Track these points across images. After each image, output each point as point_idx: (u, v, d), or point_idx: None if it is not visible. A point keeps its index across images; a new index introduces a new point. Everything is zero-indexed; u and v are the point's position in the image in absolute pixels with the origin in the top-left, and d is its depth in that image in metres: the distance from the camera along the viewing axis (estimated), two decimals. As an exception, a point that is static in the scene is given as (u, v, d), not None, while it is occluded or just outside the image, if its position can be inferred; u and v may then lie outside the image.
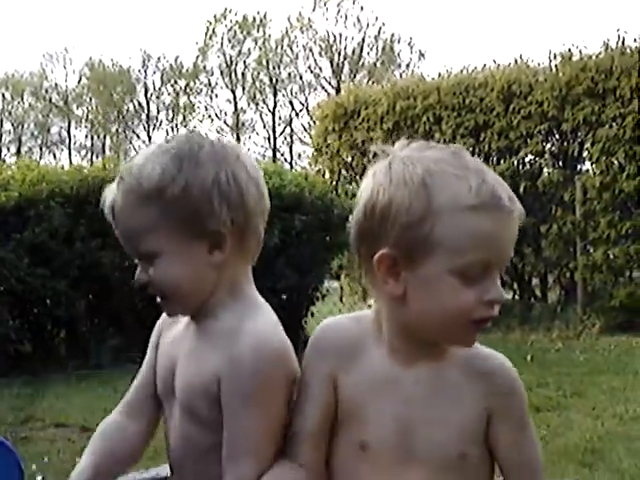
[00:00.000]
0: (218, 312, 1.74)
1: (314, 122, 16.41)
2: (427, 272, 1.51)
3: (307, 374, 1.66)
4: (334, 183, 13.32)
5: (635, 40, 11.68)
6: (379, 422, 1.58)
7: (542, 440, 5.33)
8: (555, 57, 12.23)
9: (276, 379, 1.66)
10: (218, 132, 43.21)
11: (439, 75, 13.44)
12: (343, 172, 14.06)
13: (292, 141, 47.10)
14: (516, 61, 12.86)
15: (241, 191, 1.71)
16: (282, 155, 45.60)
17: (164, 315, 1.90)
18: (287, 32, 45.87)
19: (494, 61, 13.06)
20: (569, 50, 12.12)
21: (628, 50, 11.52)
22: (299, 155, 44.88)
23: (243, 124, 47.55)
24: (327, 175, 13.72)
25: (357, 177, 13.75)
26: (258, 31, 47.03)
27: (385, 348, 1.61)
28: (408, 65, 43.71)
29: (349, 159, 13.87)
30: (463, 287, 1.50)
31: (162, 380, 1.84)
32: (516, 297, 12.89)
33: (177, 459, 1.82)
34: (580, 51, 12.06)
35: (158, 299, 1.77)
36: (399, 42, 45.31)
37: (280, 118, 46.87)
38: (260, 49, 46.73)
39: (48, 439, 5.94)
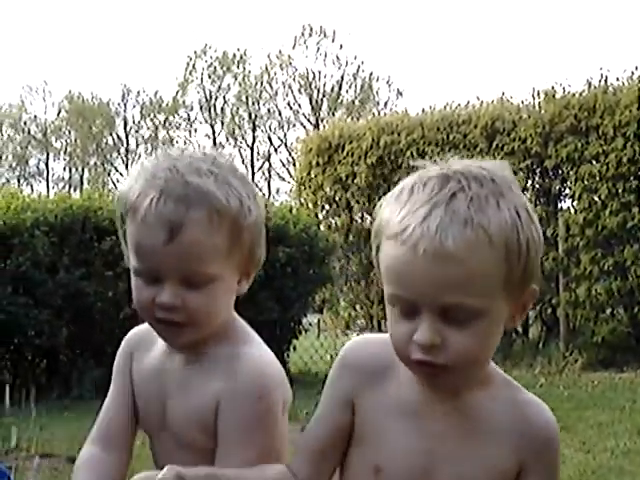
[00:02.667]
0: (212, 341, 1.71)
1: (293, 158, 16.42)
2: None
3: (327, 392, 1.61)
4: (318, 216, 13.34)
5: (618, 79, 11.86)
6: (398, 449, 1.51)
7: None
8: (538, 94, 12.37)
9: (274, 409, 1.66)
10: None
11: (423, 111, 13.55)
12: (326, 206, 14.08)
13: (270, 176, 47.23)
14: (500, 98, 12.98)
15: (262, 229, 1.73)
16: (260, 190, 45.67)
17: (128, 342, 1.86)
18: (267, 69, 46.19)
19: (477, 98, 13.19)
20: (552, 88, 12.26)
21: (611, 88, 11.66)
22: (277, 190, 44.98)
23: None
24: (310, 208, 13.73)
25: (340, 211, 13.78)
26: (238, 67, 47.34)
27: (412, 379, 1.53)
28: (386, 103, 44.11)
29: (332, 193, 13.89)
30: (400, 320, 1.44)
31: (148, 414, 1.80)
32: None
33: None
34: (563, 89, 12.22)
35: (165, 323, 1.68)
36: (377, 80, 45.77)
37: (259, 153, 47.06)
38: (240, 85, 47.00)
39: (34, 469, 5.84)
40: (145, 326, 1.82)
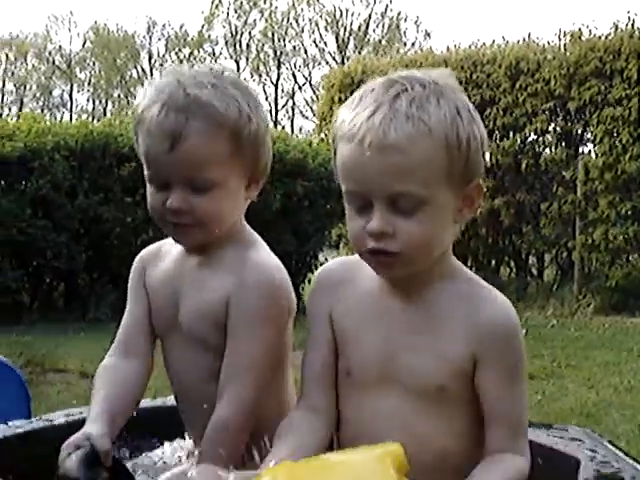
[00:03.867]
0: (224, 243, 1.81)
1: (317, 97, 16.33)
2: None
3: (311, 314, 1.73)
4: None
5: (645, 23, 11.70)
6: (363, 348, 1.63)
7: (537, 404, 5.40)
8: (564, 36, 12.27)
9: (279, 305, 1.76)
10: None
11: (447, 49, 13.45)
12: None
13: (294, 114, 47.04)
14: (525, 39, 12.88)
15: (267, 134, 1.82)
16: (283, 128, 45.53)
17: (141, 259, 1.96)
18: (294, 5, 45.70)
19: (503, 38, 13.09)
20: (579, 29, 12.15)
21: (637, 32, 11.52)
22: (300, 128, 44.82)
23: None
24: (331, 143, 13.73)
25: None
26: (265, 3, 46.83)
27: (377, 277, 1.64)
28: (414, 44, 43.57)
29: (353, 129, 13.85)
30: (356, 216, 1.55)
31: (162, 315, 1.88)
32: (512, 274, 12.95)
33: (184, 387, 1.89)
34: (590, 31, 12.12)
35: (175, 225, 1.78)
36: (405, 20, 45.22)
37: (283, 91, 46.79)
38: (266, 21, 46.55)
39: (47, 382, 6.00)
40: (155, 244, 1.96)
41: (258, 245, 1.83)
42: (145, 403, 2.62)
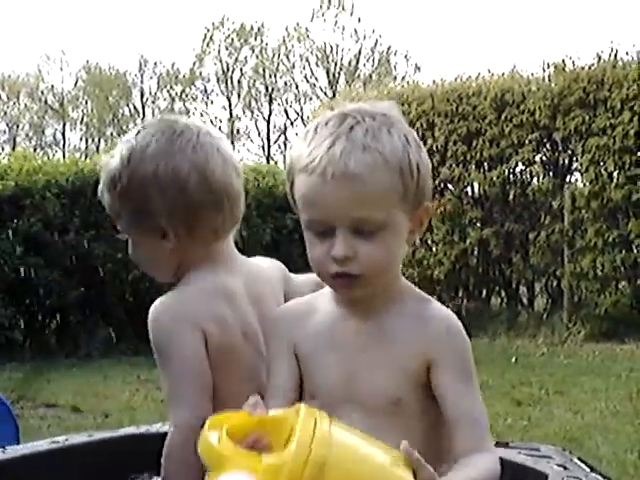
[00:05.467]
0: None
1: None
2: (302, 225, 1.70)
3: (273, 348, 1.80)
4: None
5: (627, 53, 11.87)
6: (324, 372, 1.71)
7: (522, 429, 5.47)
8: (548, 67, 12.39)
9: (176, 338, 1.80)
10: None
11: (434, 83, 13.58)
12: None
13: (286, 149, 47.22)
14: (510, 71, 13.02)
15: (181, 185, 1.83)
16: (275, 163, 45.66)
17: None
18: (284, 41, 46.02)
19: (488, 70, 13.23)
20: (562, 61, 12.28)
21: (620, 62, 11.68)
22: (292, 164, 44.90)
23: (238, 131, 47.64)
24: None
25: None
26: (255, 39, 47.16)
27: (334, 301, 1.75)
28: (404, 77, 43.78)
29: (342, 163, 13.96)
30: (317, 242, 1.65)
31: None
32: (503, 304, 13.02)
33: None
34: (573, 62, 12.22)
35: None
36: (395, 54, 45.52)
37: (275, 126, 47.01)
38: (257, 57, 46.85)
39: (39, 417, 6.06)
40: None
41: (180, 288, 1.93)
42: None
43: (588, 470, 2.35)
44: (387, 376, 1.66)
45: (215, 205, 1.87)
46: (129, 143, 1.86)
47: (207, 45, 47.43)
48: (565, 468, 2.37)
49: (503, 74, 12.96)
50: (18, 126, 49.45)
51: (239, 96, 47.50)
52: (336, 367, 1.70)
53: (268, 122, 46.62)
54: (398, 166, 1.62)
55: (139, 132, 1.88)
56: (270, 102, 46.57)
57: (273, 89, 46.41)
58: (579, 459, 2.49)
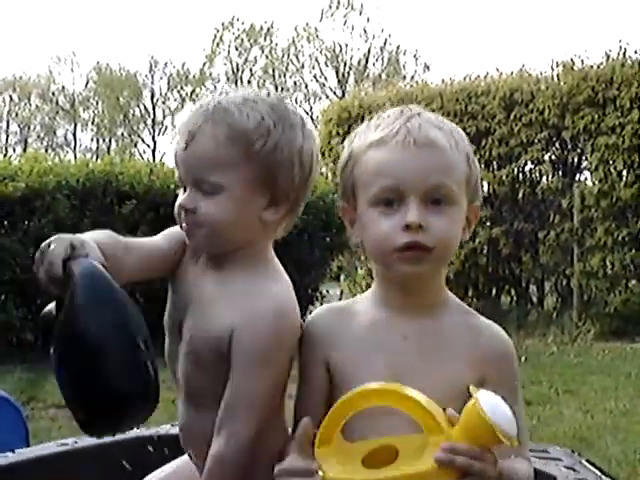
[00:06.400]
0: (244, 266, 1.81)
1: (317, 128, 16.45)
2: (360, 211, 1.71)
3: (304, 366, 1.78)
4: (335, 185, 13.46)
5: (636, 52, 11.86)
6: (373, 374, 1.65)
7: (532, 429, 5.47)
8: (557, 66, 12.40)
9: (285, 344, 1.76)
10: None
11: (442, 82, 13.60)
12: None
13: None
14: (519, 70, 13.03)
15: (312, 168, 1.84)
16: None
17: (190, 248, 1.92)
18: (294, 41, 46.11)
19: (497, 69, 13.26)
20: (571, 60, 12.29)
21: (629, 61, 11.67)
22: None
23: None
24: (329, 178, 13.86)
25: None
26: (265, 39, 47.26)
27: (378, 305, 1.74)
28: (413, 77, 43.85)
29: (352, 163, 13.98)
30: (382, 217, 1.66)
31: (171, 315, 1.90)
32: (513, 303, 13.02)
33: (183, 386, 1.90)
34: (582, 61, 12.24)
35: (186, 228, 1.82)
36: (404, 54, 45.57)
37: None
38: (266, 57, 46.96)
39: (50, 417, 6.09)
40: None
41: (277, 276, 1.83)
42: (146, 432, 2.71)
43: (597, 472, 2.36)
44: (437, 384, 1.63)
45: (303, 201, 1.89)
46: (270, 106, 1.79)
47: (217, 45, 47.55)
48: (574, 470, 2.38)
49: (512, 73, 12.97)
50: (29, 127, 49.63)
51: (249, 96, 47.55)
52: (385, 369, 1.67)
53: (278, 122, 46.63)
54: (464, 151, 1.70)
55: (267, 99, 1.82)
56: (280, 102, 46.61)
57: (283, 89, 46.44)
58: (588, 461, 2.51)
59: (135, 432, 2.71)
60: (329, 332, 1.75)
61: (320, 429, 1.55)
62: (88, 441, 2.61)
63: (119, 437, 2.63)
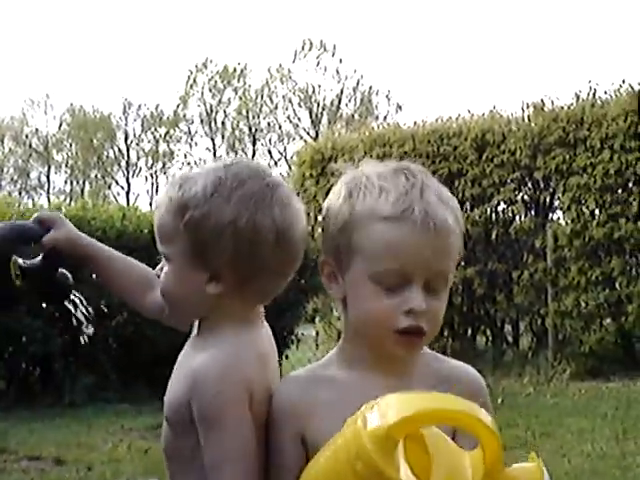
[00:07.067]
0: (205, 338, 1.78)
1: (290, 169, 16.53)
2: (353, 278, 1.62)
3: (275, 443, 1.69)
4: (310, 228, 13.47)
5: (605, 92, 12.04)
6: None
7: (509, 475, 5.43)
8: (528, 107, 12.54)
9: (230, 400, 1.68)
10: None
11: (414, 124, 13.69)
12: (319, 217, 14.20)
13: (270, 189, 47.33)
14: (490, 111, 13.14)
15: (256, 240, 1.72)
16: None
17: None
18: (267, 82, 46.41)
19: (468, 111, 13.36)
20: (541, 100, 12.44)
21: (599, 101, 11.84)
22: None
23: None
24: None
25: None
26: (238, 81, 47.54)
27: (348, 367, 1.68)
28: (385, 117, 44.20)
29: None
30: (384, 295, 1.58)
31: None
32: (489, 343, 13.03)
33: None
34: (552, 102, 12.40)
35: None
36: (377, 94, 45.97)
37: (259, 167, 47.18)
38: (240, 99, 47.19)
39: (21, 470, 5.99)
40: None
41: (218, 343, 1.75)
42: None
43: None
44: None
45: (280, 271, 1.78)
46: (217, 174, 1.74)
47: (190, 87, 47.77)
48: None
49: (483, 114, 13.10)
50: (2, 170, 49.46)
51: (223, 137, 47.77)
52: None
53: (252, 162, 46.75)
54: (460, 224, 1.64)
55: (231, 166, 1.77)
56: (254, 143, 46.83)
57: (256, 130, 46.69)
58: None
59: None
60: (300, 403, 1.67)
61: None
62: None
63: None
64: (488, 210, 12.57)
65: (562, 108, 12.13)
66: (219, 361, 1.72)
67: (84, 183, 50.29)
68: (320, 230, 1.71)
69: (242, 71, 47.40)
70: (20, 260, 1.87)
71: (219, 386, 1.69)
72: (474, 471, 1.42)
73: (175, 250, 1.75)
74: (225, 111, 47.76)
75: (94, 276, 2.00)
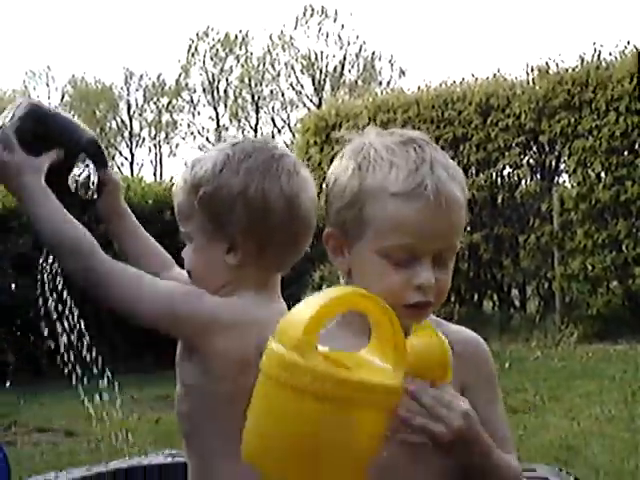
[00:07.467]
0: None
1: (294, 137, 16.47)
2: (360, 251, 1.62)
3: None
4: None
5: (610, 54, 11.95)
6: None
7: (519, 440, 5.45)
8: (532, 70, 12.46)
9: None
10: (200, 149, 43.41)
11: (418, 89, 13.62)
12: (323, 185, 14.16)
13: (274, 157, 47.18)
14: (494, 75, 13.06)
15: (266, 207, 1.81)
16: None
17: None
18: (269, 50, 46.10)
19: (472, 75, 13.28)
20: (546, 64, 12.35)
21: (603, 63, 11.75)
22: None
23: (225, 141, 47.67)
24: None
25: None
26: (240, 49, 47.23)
27: (348, 329, 1.66)
28: (389, 82, 43.98)
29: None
30: (391, 270, 1.58)
31: None
32: (495, 308, 13.04)
33: None
34: (557, 64, 12.30)
35: None
36: (380, 60, 45.64)
37: (262, 135, 47.03)
38: (242, 67, 46.91)
39: (32, 443, 6.01)
40: None
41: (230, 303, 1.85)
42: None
43: (584, 491, 2.34)
44: None
45: (293, 238, 1.86)
46: (225, 152, 1.86)
47: (192, 56, 47.49)
48: (560, 489, 2.36)
49: (487, 78, 13.01)
50: (5, 143, 49.33)
51: (226, 106, 47.55)
52: None
53: (255, 131, 46.66)
54: (466, 198, 1.65)
55: (238, 143, 1.88)
56: (257, 111, 46.63)
57: (259, 98, 46.47)
58: (576, 479, 2.48)
59: (129, 462, 2.69)
60: None
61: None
62: (73, 473, 2.59)
63: (106, 468, 2.61)
64: (493, 174, 12.52)
65: (567, 71, 12.04)
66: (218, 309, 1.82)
67: (87, 155, 50.20)
68: (324, 201, 1.71)
69: (244, 39, 47.09)
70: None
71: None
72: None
73: (194, 227, 1.87)
74: (227, 79, 47.51)
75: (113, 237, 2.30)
